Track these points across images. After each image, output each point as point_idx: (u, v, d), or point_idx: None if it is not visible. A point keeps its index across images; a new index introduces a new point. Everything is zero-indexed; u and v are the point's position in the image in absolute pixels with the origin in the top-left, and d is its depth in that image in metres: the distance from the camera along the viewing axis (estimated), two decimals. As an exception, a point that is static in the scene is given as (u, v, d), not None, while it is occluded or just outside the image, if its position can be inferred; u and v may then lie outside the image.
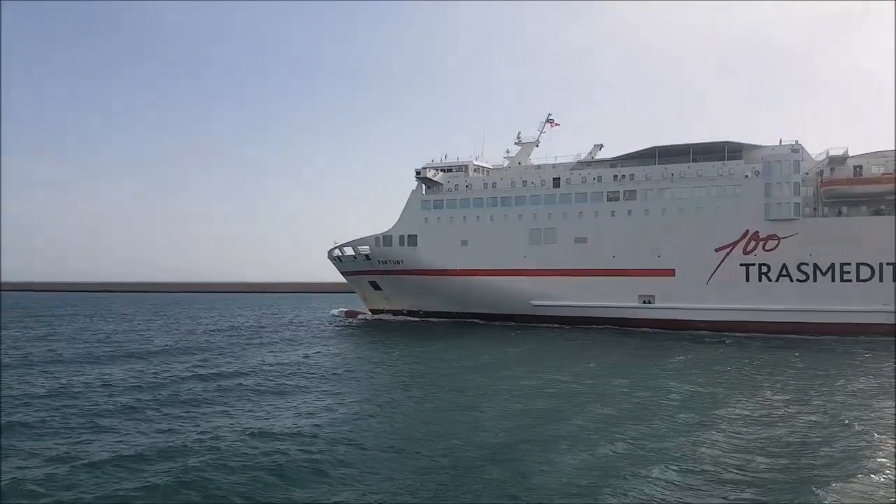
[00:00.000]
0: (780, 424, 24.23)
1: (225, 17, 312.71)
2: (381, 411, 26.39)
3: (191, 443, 20.67)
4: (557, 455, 19.41)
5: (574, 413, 25.50)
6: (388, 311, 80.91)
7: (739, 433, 22.69)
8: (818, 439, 21.84)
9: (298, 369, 38.29)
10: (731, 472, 18.22)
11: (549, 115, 78.74)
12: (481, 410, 26.37)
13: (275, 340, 56.64)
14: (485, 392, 30.53)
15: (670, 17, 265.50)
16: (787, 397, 30.07)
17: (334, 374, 36.88)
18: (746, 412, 26.31)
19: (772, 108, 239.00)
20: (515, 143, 79.73)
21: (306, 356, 44.70)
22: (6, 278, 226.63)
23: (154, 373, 36.30)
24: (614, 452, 19.87)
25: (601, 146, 74.95)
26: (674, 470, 18.11)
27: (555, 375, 35.19)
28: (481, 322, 71.60)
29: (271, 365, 40.09)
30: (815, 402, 28.69)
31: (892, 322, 56.80)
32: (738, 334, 58.44)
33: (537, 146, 78.79)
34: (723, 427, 23.52)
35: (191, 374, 35.95)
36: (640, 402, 28.08)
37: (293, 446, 20.30)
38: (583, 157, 73.74)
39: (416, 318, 76.85)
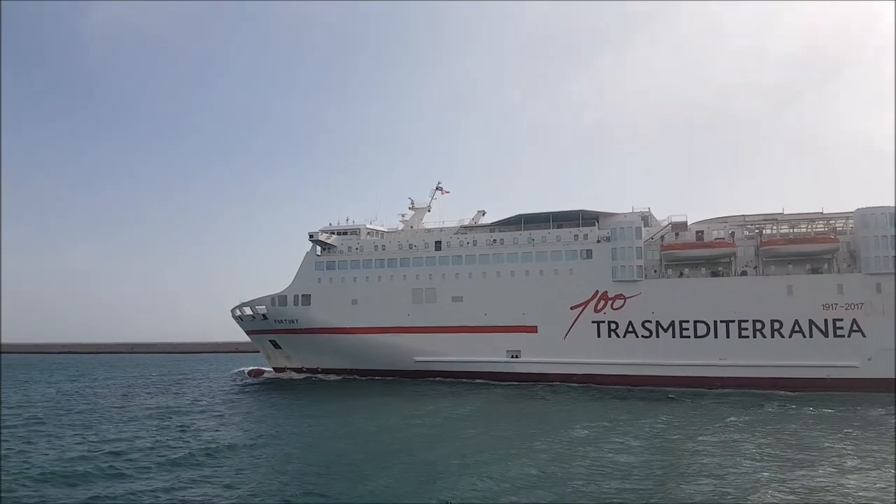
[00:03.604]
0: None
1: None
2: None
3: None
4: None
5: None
6: (290, 370, 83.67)
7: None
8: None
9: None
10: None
11: (439, 183, 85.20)
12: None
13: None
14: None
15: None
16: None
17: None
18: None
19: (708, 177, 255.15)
20: (409, 209, 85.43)
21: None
22: None
23: None
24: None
25: (484, 212, 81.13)
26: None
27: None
28: (380, 378, 73.82)
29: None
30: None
31: (727, 375, 62.20)
32: (594, 385, 63.17)
33: (429, 211, 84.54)
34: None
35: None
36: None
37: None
38: (466, 222, 79.59)
39: (317, 376, 79.63)
